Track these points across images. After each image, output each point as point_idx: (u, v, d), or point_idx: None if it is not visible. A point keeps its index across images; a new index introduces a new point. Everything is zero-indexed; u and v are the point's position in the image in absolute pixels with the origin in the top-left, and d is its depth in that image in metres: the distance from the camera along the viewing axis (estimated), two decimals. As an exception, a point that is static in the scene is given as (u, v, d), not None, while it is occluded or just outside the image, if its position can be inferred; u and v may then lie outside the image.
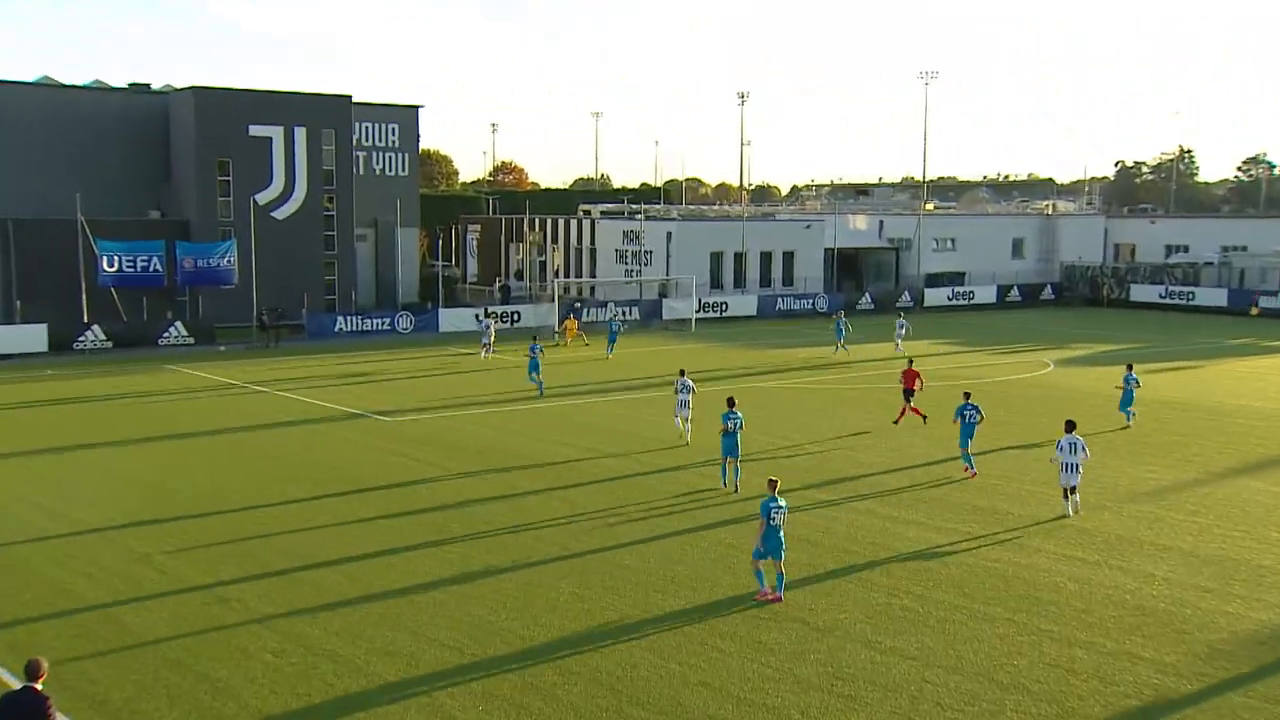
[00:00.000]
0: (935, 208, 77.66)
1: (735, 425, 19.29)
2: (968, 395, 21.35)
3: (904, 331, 38.76)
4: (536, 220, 63.27)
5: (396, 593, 14.24)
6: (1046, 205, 77.74)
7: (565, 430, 24.57)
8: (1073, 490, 17.97)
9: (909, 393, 25.22)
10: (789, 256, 60.85)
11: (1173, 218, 78.81)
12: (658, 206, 70.24)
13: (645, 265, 56.01)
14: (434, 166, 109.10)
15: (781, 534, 14.19)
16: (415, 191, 57.85)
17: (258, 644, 12.48)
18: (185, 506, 18.31)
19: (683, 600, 14.08)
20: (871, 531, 16.78)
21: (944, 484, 20.02)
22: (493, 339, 36.15)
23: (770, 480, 14.76)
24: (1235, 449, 23.43)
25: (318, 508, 18.54)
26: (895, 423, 25.04)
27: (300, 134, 49.52)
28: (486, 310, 41.94)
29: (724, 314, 54.43)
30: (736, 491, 18.88)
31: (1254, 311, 57.40)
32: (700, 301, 53.26)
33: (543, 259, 62.60)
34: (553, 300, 48.09)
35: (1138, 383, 26.31)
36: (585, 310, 48.68)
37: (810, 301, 57.55)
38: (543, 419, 26.05)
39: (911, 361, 26.71)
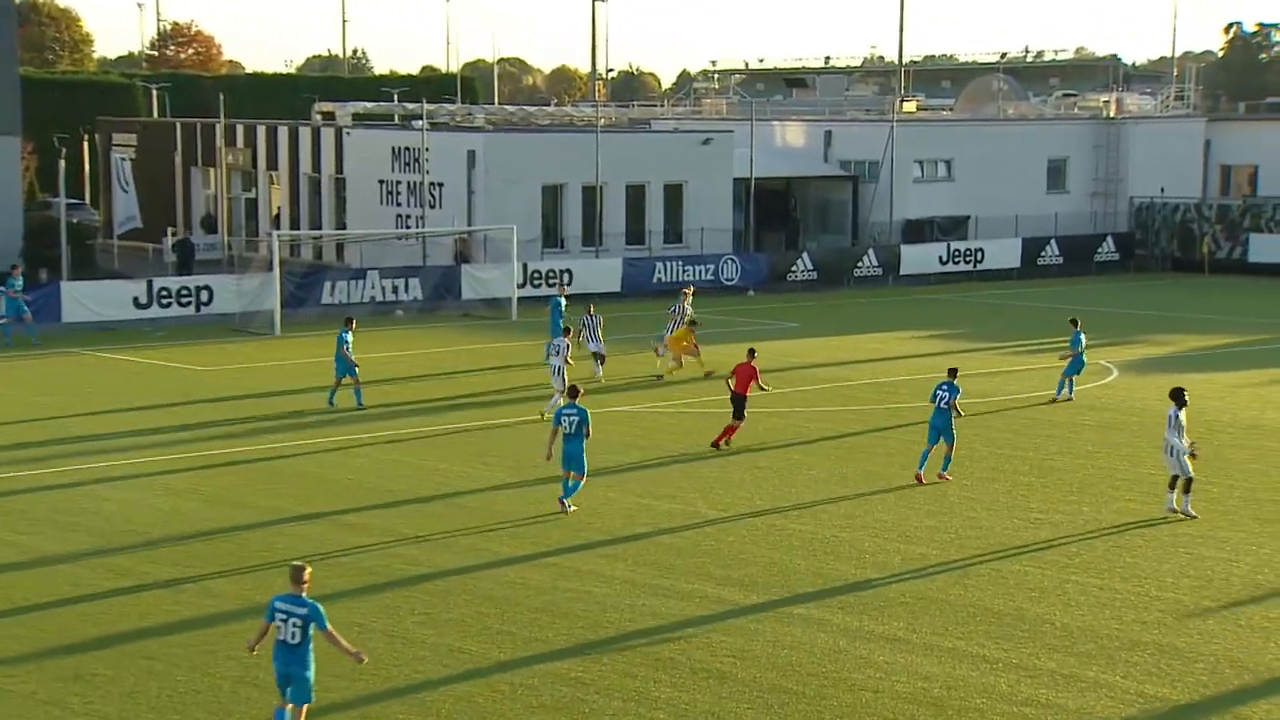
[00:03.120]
0: (919, 108, 75.89)
1: (574, 425, 22.41)
2: (952, 373, 25.37)
3: (678, 317, 36.77)
4: (239, 129, 62.35)
5: None
6: (1105, 101, 74.65)
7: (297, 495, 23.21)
8: (1181, 484, 22.05)
9: (739, 400, 27.58)
10: (674, 194, 58.91)
11: None
12: (452, 106, 67.54)
13: (431, 208, 54.80)
14: (48, 29, 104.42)
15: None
16: (11, 73, 53.75)
17: None
18: None
19: None
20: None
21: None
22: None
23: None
24: None
25: None
26: (715, 445, 27.49)
27: None
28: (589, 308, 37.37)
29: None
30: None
31: None
32: (526, 270, 51.59)
33: (250, 195, 62.16)
34: (271, 268, 44.98)
35: (1082, 343, 31.89)
36: (331, 286, 47.80)
37: (712, 268, 56.03)
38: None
39: (752, 354, 28.35)
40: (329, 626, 12.90)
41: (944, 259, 60.27)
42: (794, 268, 57.50)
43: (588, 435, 22.12)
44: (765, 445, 27.19)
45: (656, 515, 22.08)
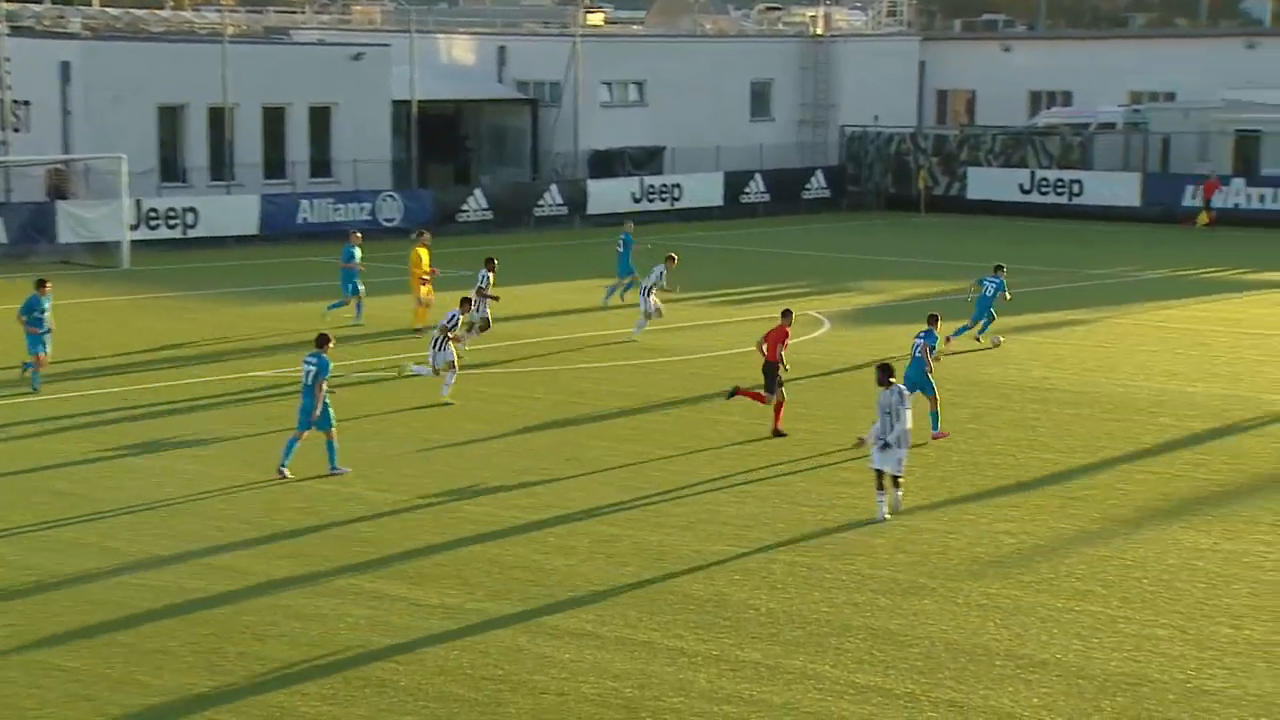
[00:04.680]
0: (607, 21, 77.24)
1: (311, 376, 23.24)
2: (932, 320, 27.19)
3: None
4: None
5: None
6: (812, 16, 77.19)
7: None
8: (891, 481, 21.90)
9: (771, 369, 26.96)
10: (320, 118, 58.75)
11: (1043, 39, 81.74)
12: (38, 6, 65.59)
13: (16, 132, 53.57)
14: None
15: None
16: None
17: None
18: None
19: None
20: None
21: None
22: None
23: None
24: (1151, 473, 24.75)
25: None
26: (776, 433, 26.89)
27: None
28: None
29: (189, 233, 52.63)
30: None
31: (1202, 220, 59.65)
32: (141, 209, 50.86)
33: None
34: None
35: (1002, 289, 34.14)
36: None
37: (368, 206, 56.22)
38: None
39: (788, 316, 27.34)
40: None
41: (637, 196, 61.54)
42: (466, 206, 57.96)
43: (326, 390, 22.84)
44: (433, 411, 27.29)
45: (307, 498, 21.97)
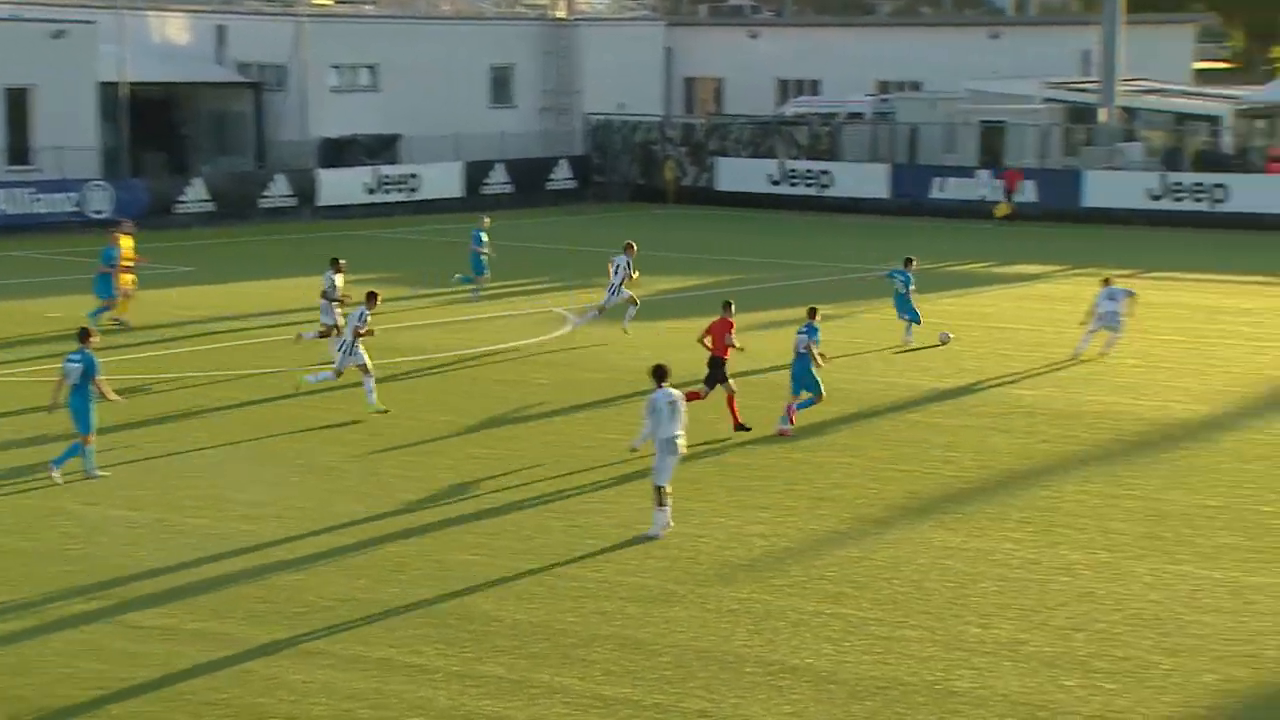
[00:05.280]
0: (336, 1, 77.23)
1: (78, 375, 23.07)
2: (811, 313, 27.51)
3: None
4: None
5: None
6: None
7: None
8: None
9: (716, 364, 27.00)
10: (17, 100, 57.63)
11: (790, 26, 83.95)
12: None
13: None
14: None
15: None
16: None
17: None
18: None
19: None
20: None
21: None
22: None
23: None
24: (900, 471, 25.42)
25: None
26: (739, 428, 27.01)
27: None
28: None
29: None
30: None
31: (1001, 211, 61.16)
32: None
33: None
34: None
35: (906, 282, 34.77)
36: None
37: (74, 197, 55.34)
38: None
39: (729, 307, 27.54)
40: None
41: (371, 186, 61.60)
42: (184, 197, 57.21)
43: (99, 392, 22.80)
44: (150, 420, 26.79)
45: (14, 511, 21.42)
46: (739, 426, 26.53)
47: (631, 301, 35.28)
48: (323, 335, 31.49)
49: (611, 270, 35.40)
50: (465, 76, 68.69)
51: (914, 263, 35.48)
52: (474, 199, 63.56)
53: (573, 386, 30.63)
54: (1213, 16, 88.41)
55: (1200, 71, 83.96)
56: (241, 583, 18.75)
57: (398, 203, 61.79)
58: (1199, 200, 58.61)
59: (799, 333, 26.91)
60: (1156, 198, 59.20)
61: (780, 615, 17.77)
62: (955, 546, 20.54)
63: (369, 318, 27.84)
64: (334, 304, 31.78)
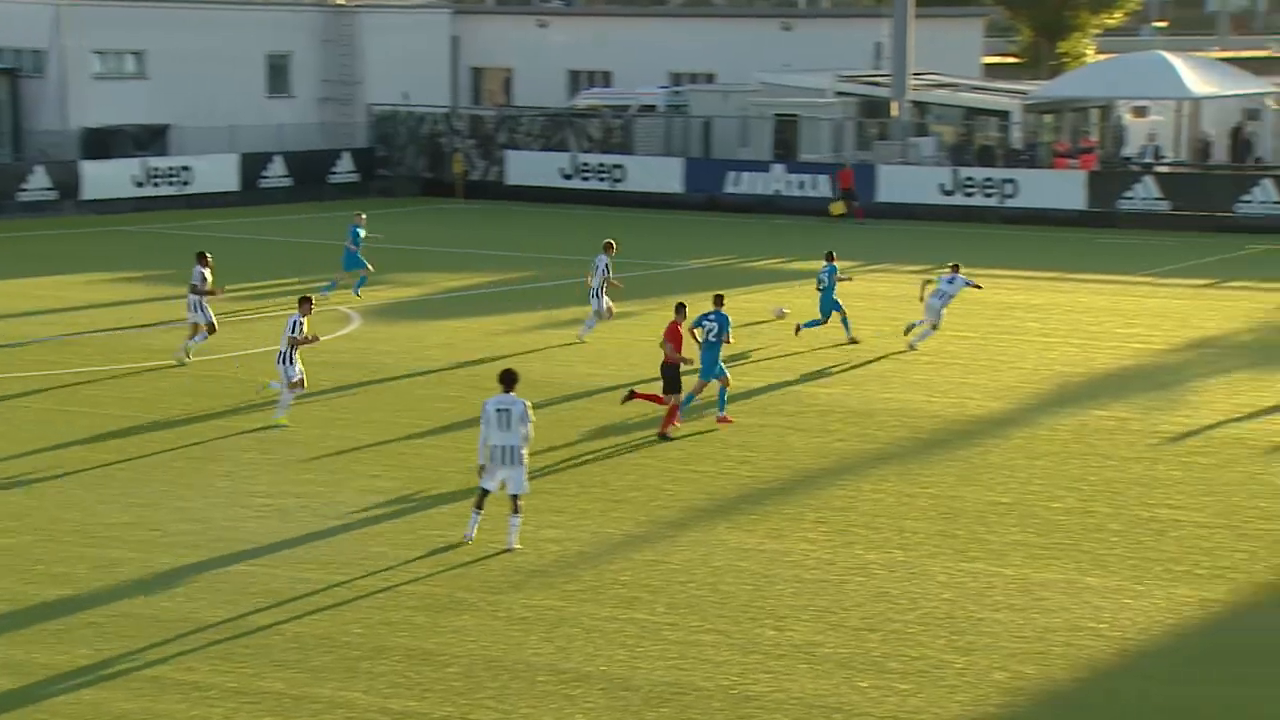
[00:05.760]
0: None
1: None
2: (718, 300, 27.84)
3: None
4: None
5: None
6: None
7: None
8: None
9: (672, 370, 27.26)
10: None
11: (580, 15, 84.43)
12: None
13: None
14: None
15: None
16: None
17: None
18: None
19: None
20: None
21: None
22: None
23: None
24: (696, 472, 25.77)
25: None
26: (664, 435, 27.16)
27: None
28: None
29: None
30: None
31: (836, 210, 60.84)
32: None
33: None
34: None
35: (831, 273, 35.09)
36: None
37: None
38: None
39: (681, 310, 27.70)
40: None
41: (140, 180, 60.46)
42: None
43: None
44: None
45: None
46: (662, 436, 26.69)
47: (607, 314, 35.23)
48: (194, 334, 31.53)
49: (592, 272, 35.24)
50: (240, 65, 67.66)
51: (834, 256, 35.86)
52: (250, 193, 62.66)
53: (353, 388, 30.42)
54: (1000, 11, 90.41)
55: (989, 66, 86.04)
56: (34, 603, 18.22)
57: (169, 196, 60.60)
58: (989, 195, 59.81)
59: (706, 319, 27.16)
60: (949, 193, 60.36)
61: (573, 622, 17.73)
62: (751, 548, 20.70)
63: (304, 325, 26.96)
64: (203, 298, 31.50)
